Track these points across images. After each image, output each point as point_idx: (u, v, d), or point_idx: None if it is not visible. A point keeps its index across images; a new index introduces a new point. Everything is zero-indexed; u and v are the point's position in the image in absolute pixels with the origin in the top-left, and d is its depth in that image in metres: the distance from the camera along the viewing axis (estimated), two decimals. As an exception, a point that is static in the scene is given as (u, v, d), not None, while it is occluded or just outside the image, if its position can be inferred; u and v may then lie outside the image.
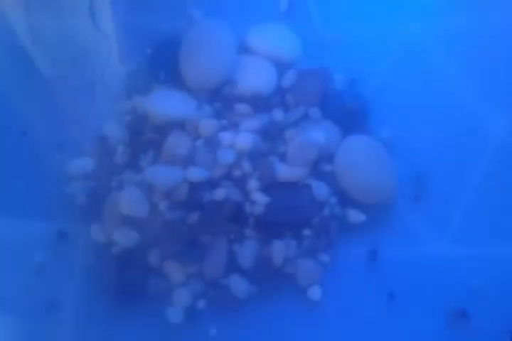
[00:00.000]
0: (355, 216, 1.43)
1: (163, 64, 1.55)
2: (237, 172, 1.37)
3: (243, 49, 1.57)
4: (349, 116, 1.53)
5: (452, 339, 1.32)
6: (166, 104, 1.44)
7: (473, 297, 1.35)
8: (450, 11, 1.69)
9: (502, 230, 1.44)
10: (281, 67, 1.56)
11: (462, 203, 1.47)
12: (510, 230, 1.43)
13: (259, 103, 1.48)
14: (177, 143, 1.39)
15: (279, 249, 1.33)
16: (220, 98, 1.49)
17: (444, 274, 1.39)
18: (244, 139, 1.40)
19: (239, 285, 1.30)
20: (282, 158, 1.42)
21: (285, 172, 1.39)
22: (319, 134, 1.44)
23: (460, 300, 1.35)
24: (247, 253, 1.32)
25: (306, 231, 1.37)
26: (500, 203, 1.47)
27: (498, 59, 1.62)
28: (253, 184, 1.37)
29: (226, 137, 1.40)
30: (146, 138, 1.42)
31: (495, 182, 1.48)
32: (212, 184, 1.35)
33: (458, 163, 1.51)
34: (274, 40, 1.60)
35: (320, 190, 1.40)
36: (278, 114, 1.47)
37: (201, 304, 1.31)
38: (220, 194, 1.33)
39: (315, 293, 1.32)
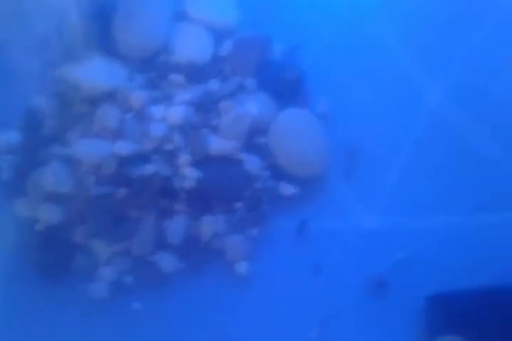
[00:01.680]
0: (287, 189, 1.44)
1: (96, 30, 1.50)
2: (168, 146, 1.36)
3: (180, 16, 1.52)
4: (286, 87, 1.51)
5: (372, 307, 1.37)
6: (95, 73, 1.40)
7: (395, 268, 1.40)
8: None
9: (429, 203, 1.48)
10: (218, 35, 1.52)
11: (392, 177, 1.50)
12: (437, 203, 1.47)
13: (195, 73, 1.45)
14: (107, 115, 1.36)
15: (208, 224, 1.34)
16: (154, 67, 1.45)
17: (371, 247, 1.43)
18: (176, 112, 1.37)
19: (166, 261, 1.32)
20: (215, 130, 1.41)
21: (217, 145, 1.38)
22: (253, 106, 1.43)
23: (382, 271, 1.39)
24: (176, 228, 1.33)
25: (237, 206, 1.38)
26: (429, 176, 1.50)
27: (435, 29, 1.61)
28: (184, 158, 1.36)
29: (158, 110, 1.38)
30: (75, 110, 1.38)
31: (424, 155, 1.50)
32: (142, 158, 1.34)
33: (390, 136, 1.53)
34: (211, 6, 1.55)
35: (252, 163, 1.40)
36: (213, 85, 1.45)
37: (128, 279, 1.32)
38: (149, 168, 1.32)
39: (242, 267, 1.35)
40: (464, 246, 1.43)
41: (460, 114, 1.53)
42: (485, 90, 1.54)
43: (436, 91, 1.56)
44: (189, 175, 1.35)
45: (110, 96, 1.38)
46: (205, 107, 1.43)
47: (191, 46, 1.48)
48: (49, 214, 1.29)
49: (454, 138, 1.53)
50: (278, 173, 1.44)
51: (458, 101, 1.55)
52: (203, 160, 1.37)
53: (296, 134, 1.44)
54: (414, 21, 1.63)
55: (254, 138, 1.44)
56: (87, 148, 1.32)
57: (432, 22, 1.63)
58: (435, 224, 1.45)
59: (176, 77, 1.43)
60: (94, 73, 1.40)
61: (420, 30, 1.62)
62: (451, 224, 1.44)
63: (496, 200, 1.46)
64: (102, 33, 1.48)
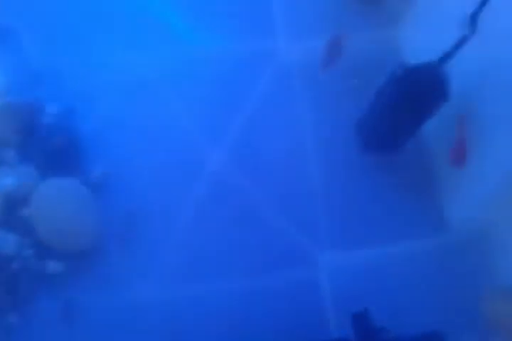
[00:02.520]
0: (53, 267, 1.33)
1: None
2: None
3: None
4: (56, 154, 1.42)
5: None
6: None
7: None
8: (177, 45, 1.66)
9: (211, 269, 1.42)
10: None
11: (172, 245, 1.42)
12: (219, 268, 1.42)
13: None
14: None
15: None
16: None
17: (145, 318, 1.34)
18: None
19: None
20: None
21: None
22: (9, 181, 1.33)
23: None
24: None
25: (-11, 291, 1.24)
26: (210, 241, 1.44)
27: (218, 95, 1.60)
28: None
29: None
30: None
31: (205, 222, 1.45)
32: None
33: (170, 203, 1.46)
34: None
35: (6, 242, 1.28)
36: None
37: None
38: None
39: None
40: (247, 310, 1.38)
41: (240, 177, 1.52)
42: (259, 154, 1.55)
43: (217, 154, 1.54)
44: None
45: None
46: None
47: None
48: None
49: (236, 202, 1.50)
50: (42, 250, 1.33)
51: (238, 164, 1.53)
52: None
53: (61, 206, 1.35)
54: (197, 87, 1.61)
55: (14, 213, 1.32)
56: None
57: (218, 87, 1.62)
58: (216, 290, 1.39)
59: None
60: None
61: (204, 95, 1.60)
62: (231, 289, 1.40)
63: (275, 265, 1.43)
64: None
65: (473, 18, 1.23)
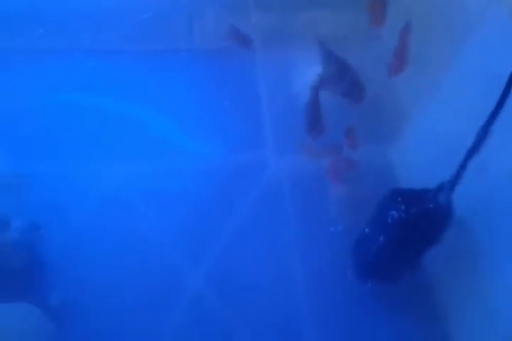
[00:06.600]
0: None
1: None
2: None
3: None
4: (12, 278, 1.27)
5: None
6: None
7: None
8: (161, 156, 1.57)
9: None
10: None
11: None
12: None
13: None
14: None
15: None
16: None
17: None
18: None
19: None
20: None
21: None
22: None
23: None
24: None
25: None
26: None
27: (202, 209, 1.48)
28: None
29: None
30: None
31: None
32: None
33: (141, 327, 1.30)
34: None
35: None
36: None
37: None
38: None
39: None
40: None
41: (219, 306, 1.36)
42: (242, 278, 1.40)
43: (197, 278, 1.40)
44: None
45: None
46: None
47: None
48: None
49: (212, 327, 1.33)
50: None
51: (216, 288, 1.38)
52: None
53: (13, 334, 1.17)
54: (178, 203, 1.50)
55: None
56: None
57: (192, 200, 1.51)
58: None
59: None
60: None
61: (181, 208, 1.49)
62: None
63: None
64: None
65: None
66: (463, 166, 1.17)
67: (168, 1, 1.77)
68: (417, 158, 1.51)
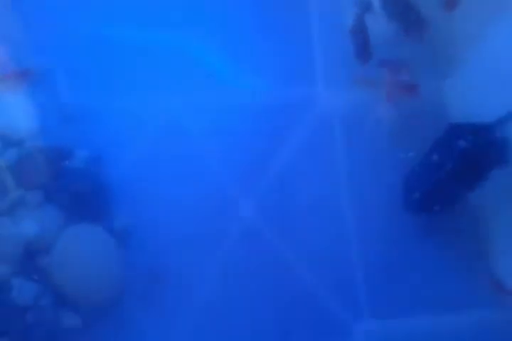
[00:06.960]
0: (69, 320, 1.25)
1: None
2: None
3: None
4: (81, 199, 1.37)
5: None
6: None
7: None
8: (215, 89, 1.61)
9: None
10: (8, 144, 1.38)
11: (198, 298, 1.34)
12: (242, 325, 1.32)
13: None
14: None
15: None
16: None
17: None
18: None
19: None
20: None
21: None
22: (31, 225, 1.27)
23: None
24: None
25: (1, 343, 1.17)
26: (238, 295, 1.36)
27: (254, 142, 1.54)
28: None
29: None
30: None
31: (230, 279, 1.37)
32: None
33: (196, 257, 1.38)
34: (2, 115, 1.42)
35: (23, 291, 1.21)
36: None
37: None
38: None
39: None
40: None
41: (271, 231, 1.43)
42: (292, 204, 1.46)
43: (249, 206, 1.46)
44: None
45: None
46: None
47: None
48: None
49: (265, 259, 1.40)
50: (60, 301, 1.26)
51: (269, 216, 1.45)
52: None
53: (84, 257, 1.28)
54: (232, 136, 1.55)
55: (33, 260, 1.26)
56: None
57: (244, 133, 1.56)
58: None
59: None
60: None
61: (234, 137, 1.54)
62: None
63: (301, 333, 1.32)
64: None
65: None
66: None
67: None
68: (473, 94, 1.49)
